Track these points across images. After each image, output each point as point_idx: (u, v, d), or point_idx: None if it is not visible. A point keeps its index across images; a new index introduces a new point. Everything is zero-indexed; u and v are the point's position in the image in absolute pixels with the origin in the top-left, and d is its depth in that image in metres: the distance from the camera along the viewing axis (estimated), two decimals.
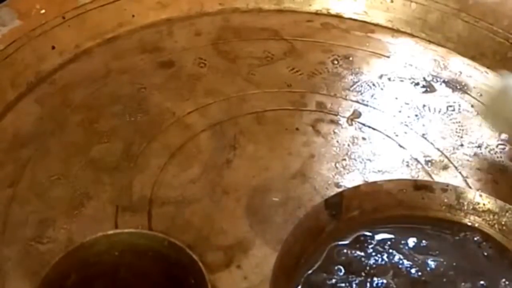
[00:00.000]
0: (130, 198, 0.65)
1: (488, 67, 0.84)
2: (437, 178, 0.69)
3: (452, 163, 0.71)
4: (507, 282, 0.53)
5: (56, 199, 0.65)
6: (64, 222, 0.63)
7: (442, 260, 0.55)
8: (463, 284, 0.53)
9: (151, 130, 0.72)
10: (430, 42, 0.89)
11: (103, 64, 0.80)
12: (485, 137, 0.74)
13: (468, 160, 0.71)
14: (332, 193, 0.63)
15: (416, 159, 0.71)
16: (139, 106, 0.75)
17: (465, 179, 0.69)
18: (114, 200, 0.65)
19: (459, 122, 0.76)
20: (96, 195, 0.66)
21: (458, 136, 0.74)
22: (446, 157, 0.71)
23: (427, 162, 0.71)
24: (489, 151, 0.72)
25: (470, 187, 0.67)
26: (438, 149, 0.72)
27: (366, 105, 0.77)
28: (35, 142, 0.70)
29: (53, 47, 0.79)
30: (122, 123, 0.73)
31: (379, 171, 0.70)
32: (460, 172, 0.70)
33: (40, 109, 0.74)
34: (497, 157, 0.72)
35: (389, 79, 0.81)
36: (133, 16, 0.87)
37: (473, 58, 0.86)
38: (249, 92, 0.77)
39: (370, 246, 0.56)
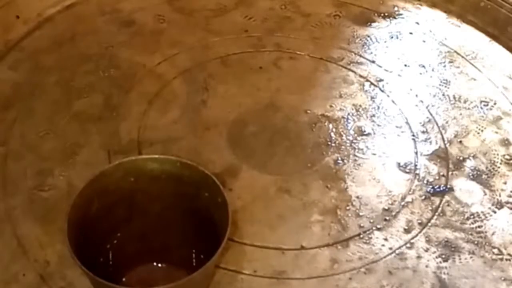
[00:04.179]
0: (119, 142, 0.70)
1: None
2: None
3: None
4: None
5: (49, 151, 0.69)
6: (61, 170, 0.67)
7: None
8: None
9: (126, 82, 0.77)
10: None
11: (67, 29, 0.83)
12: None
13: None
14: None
15: (369, 81, 0.79)
16: (110, 63, 0.79)
17: None
18: (104, 145, 0.70)
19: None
20: (87, 143, 0.70)
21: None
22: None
23: (378, 81, 0.79)
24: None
25: None
26: (386, 70, 0.81)
27: (319, 41, 0.84)
28: (17, 104, 0.73)
29: (18, 17, 0.82)
30: (97, 79, 0.77)
31: (340, 96, 0.77)
32: None
33: (15, 75, 0.77)
34: None
35: (335, 16, 0.89)
36: None
37: None
38: (210, 40, 0.83)
39: None
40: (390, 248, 0.62)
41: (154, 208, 0.58)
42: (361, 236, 0.63)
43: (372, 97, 0.77)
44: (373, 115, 0.75)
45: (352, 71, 0.80)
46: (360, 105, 0.76)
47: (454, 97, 0.78)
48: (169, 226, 0.58)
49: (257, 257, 0.61)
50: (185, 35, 0.83)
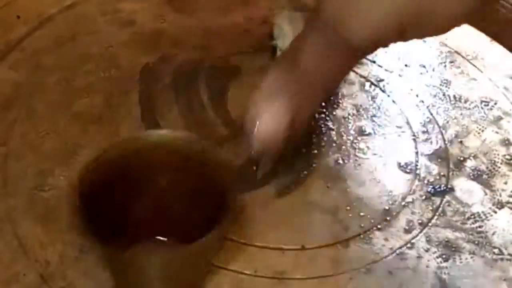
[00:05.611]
0: None
1: None
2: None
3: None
4: None
5: (50, 151, 0.69)
6: (62, 170, 0.67)
7: None
8: None
9: (127, 82, 0.77)
10: None
11: (68, 29, 0.83)
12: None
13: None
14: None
15: (370, 81, 0.79)
16: (110, 63, 0.79)
17: None
18: (105, 145, 0.70)
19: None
20: (87, 143, 0.70)
21: None
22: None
23: (378, 81, 0.79)
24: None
25: None
26: (387, 70, 0.81)
27: None
28: (17, 104, 0.73)
29: (18, 17, 0.82)
30: (98, 79, 0.77)
31: (341, 95, 0.77)
32: None
33: (15, 75, 0.77)
34: None
35: None
36: None
37: None
38: (210, 40, 0.83)
39: None
40: (391, 248, 0.62)
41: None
42: (362, 236, 0.63)
43: (372, 97, 0.77)
44: (374, 115, 0.75)
45: (353, 71, 0.80)
46: (361, 105, 0.76)
47: (455, 97, 0.78)
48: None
49: (257, 257, 0.61)
50: (186, 35, 0.83)
